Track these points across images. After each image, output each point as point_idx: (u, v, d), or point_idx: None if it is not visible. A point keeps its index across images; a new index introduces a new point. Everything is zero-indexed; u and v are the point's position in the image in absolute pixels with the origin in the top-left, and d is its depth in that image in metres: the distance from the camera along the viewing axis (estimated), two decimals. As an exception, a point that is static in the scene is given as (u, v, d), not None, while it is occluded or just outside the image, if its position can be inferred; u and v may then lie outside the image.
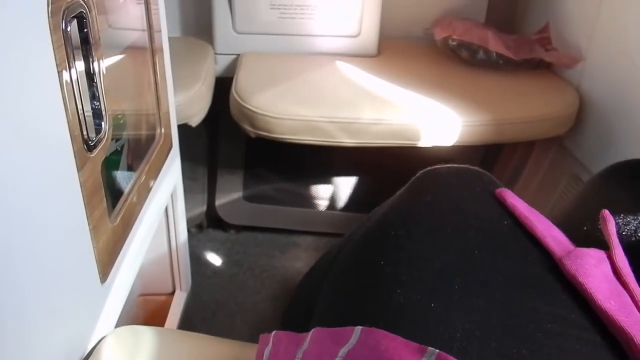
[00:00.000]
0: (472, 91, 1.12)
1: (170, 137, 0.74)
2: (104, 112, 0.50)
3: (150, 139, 0.71)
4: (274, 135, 1.06)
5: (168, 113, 0.74)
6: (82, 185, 0.45)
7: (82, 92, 0.45)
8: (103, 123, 0.50)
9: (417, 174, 0.62)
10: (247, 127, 1.08)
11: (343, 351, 0.41)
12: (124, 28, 0.69)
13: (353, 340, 0.42)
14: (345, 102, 1.07)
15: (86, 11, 0.46)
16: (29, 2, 0.37)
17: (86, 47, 0.47)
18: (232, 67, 1.28)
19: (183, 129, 1.11)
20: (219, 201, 1.34)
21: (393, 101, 1.07)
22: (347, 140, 1.06)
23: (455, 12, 1.34)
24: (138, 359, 0.53)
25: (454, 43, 1.20)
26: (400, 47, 1.35)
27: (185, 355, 0.56)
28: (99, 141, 0.49)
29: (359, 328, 0.42)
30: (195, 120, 1.12)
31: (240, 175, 1.36)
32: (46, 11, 0.39)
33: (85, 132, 0.46)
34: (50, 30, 0.40)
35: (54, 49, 0.40)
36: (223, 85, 1.21)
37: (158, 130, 0.69)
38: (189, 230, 1.36)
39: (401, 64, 1.25)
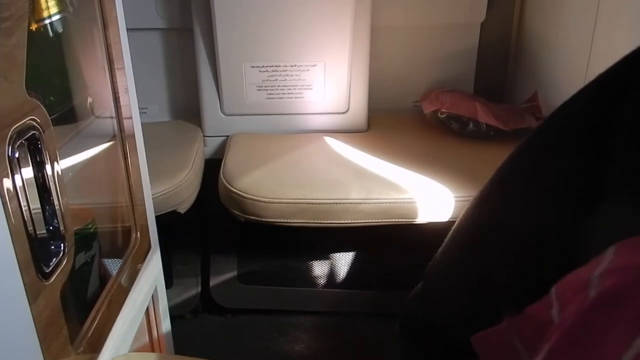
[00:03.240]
0: (463, 164, 1.10)
1: (148, 238, 0.71)
2: (63, 231, 0.48)
3: (128, 234, 0.68)
4: (263, 220, 1.03)
5: (144, 207, 0.72)
6: (36, 319, 0.42)
7: (35, 223, 0.42)
8: (62, 244, 0.47)
9: None
10: (236, 212, 1.05)
11: None
12: (107, 117, 0.67)
13: None
14: (333, 181, 1.04)
15: (39, 132, 0.44)
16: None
17: (40, 166, 0.45)
18: (222, 149, 1.28)
19: (174, 212, 1.09)
20: (214, 284, 1.31)
21: (382, 178, 1.05)
22: (338, 221, 1.03)
23: (443, 84, 1.34)
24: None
25: (443, 116, 1.19)
26: (390, 121, 1.34)
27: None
28: (57, 265, 0.46)
29: None
30: (184, 207, 1.10)
31: (235, 257, 1.32)
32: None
33: (38, 260, 0.43)
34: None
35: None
36: (213, 167, 1.20)
37: (133, 235, 0.67)
38: (183, 317, 1.32)
39: (391, 139, 1.23)
